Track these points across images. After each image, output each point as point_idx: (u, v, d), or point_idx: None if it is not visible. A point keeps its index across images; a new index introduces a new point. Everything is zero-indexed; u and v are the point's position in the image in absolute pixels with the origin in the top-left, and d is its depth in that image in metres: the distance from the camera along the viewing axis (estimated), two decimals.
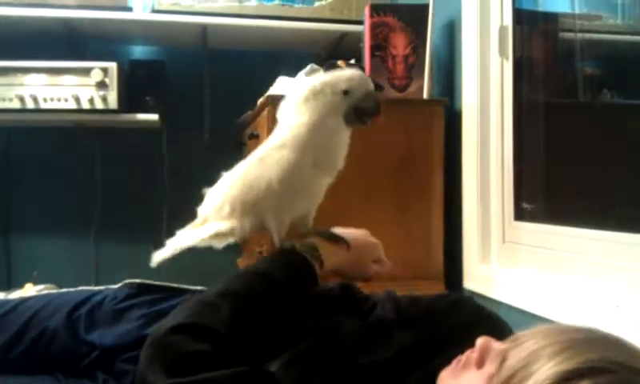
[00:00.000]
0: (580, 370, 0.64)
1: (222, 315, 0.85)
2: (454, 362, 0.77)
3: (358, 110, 1.02)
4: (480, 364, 0.73)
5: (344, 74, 1.03)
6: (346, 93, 1.00)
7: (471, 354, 0.75)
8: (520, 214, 1.69)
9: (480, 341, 0.75)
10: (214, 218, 1.05)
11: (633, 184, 1.45)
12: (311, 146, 1.00)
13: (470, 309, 1.08)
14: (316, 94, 1.01)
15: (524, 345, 0.71)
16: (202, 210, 1.09)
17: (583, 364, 0.64)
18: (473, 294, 1.76)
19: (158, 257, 1.06)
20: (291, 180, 0.99)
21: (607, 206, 1.51)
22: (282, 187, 0.98)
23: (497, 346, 0.74)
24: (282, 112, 1.07)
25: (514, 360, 0.69)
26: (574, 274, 1.40)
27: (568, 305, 1.30)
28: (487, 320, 1.02)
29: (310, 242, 1.05)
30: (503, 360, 0.70)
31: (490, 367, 0.71)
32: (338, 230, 1.12)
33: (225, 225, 1.03)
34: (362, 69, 1.89)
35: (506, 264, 1.68)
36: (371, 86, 1.03)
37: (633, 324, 1.09)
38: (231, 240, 1.06)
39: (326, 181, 1.06)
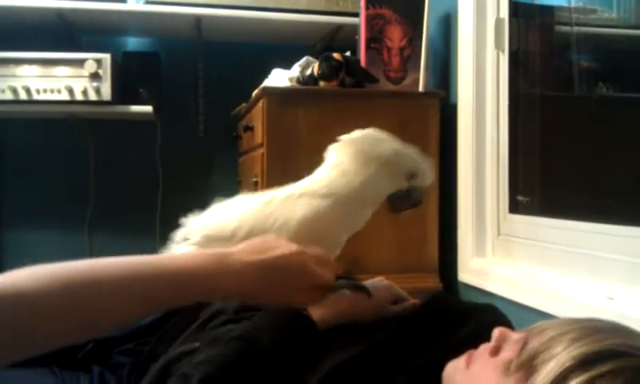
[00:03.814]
0: (602, 352, 0.64)
1: None
2: (466, 354, 0.77)
3: (403, 196, 0.98)
4: (495, 352, 0.73)
5: (419, 158, 0.98)
6: (413, 176, 0.96)
7: (486, 345, 0.75)
8: (515, 207, 1.70)
9: (497, 330, 0.75)
10: (220, 237, 0.95)
11: (627, 177, 1.46)
12: (346, 211, 0.93)
13: (464, 303, 1.07)
14: (383, 163, 0.94)
15: (545, 332, 0.70)
16: (199, 225, 0.98)
17: (605, 347, 0.65)
18: (468, 286, 1.76)
19: None
20: (310, 231, 0.91)
21: (602, 199, 1.52)
22: (298, 234, 0.90)
23: (515, 335, 0.74)
24: (338, 151, 0.97)
25: (534, 344, 0.69)
26: (569, 267, 1.41)
27: (563, 297, 1.31)
28: (491, 312, 1.01)
29: None
30: (524, 345, 0.70)
31: (507, 353, 0.71)
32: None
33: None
34: (357, 61, 1.89)
35: (501, 257, 1.69)
36: (430, 180, 0.99)
37: (627, 316, 1.10)
38: None
39: (345, 236, 0.99)
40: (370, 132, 0.97)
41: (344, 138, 0.97)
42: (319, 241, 0.91)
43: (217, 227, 0.96)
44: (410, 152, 0.98)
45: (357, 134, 0.96)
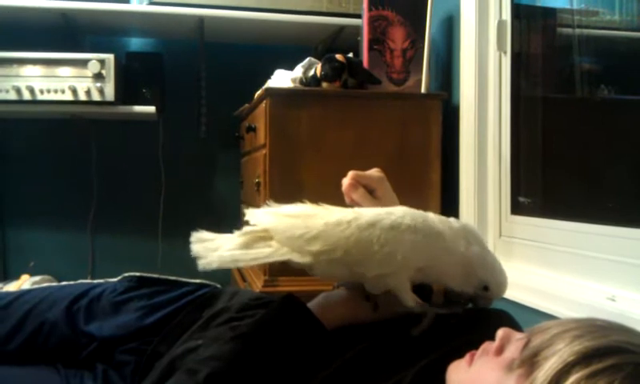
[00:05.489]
0: (604, 348, 0.65)
1: (196, 380, 0.82)
2: (468, 355, 0.77)
3: (465, 299, 0.96)
4: (499, 352, 0.73)
5: (500, 272, 0.95)
6: (485, 288, 0.93)
7: (489, 345, 0.75)
8: (517, 208, 1.70)
9: (501, 330, 0.75)
10: (285, 241, 0.91)
11: (629, 179, 1.46)
12: (439, 263, 0.93)
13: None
14: (466, 260, 0.92)
15: (547, 330, 0.71)
16: (264, 221, 0.93)
17: (607, 343, 0.65)
18: None
19: (205, 265, 0.91)
20: (408, 263, 0.91)
21: (603, 201, 1.52)
22: (398, 264, 0.90)
23: (518, 334, 0.75)
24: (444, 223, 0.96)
25: (537, 342, 0.70)
26: (571, 268, 1.41)
27: (564, 298, 1.31)
28: (503, 317, 1.01)
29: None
30: (526, 343, 0.71)
31: (510, 353, 0.72)
32: None
33: (297, 256, 0.90)
34: (360, 63, 1.90)
35: (503, 258, 1.68)
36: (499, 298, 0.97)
37: (628, 317, 1.10)
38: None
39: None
40: (467, 225, 0.96)
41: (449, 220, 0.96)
42: (409, 268, 0.92)
43: (294, 235, 0.91)
44: (496, 264, 0.95)
45: (456, 222, 0.96)
